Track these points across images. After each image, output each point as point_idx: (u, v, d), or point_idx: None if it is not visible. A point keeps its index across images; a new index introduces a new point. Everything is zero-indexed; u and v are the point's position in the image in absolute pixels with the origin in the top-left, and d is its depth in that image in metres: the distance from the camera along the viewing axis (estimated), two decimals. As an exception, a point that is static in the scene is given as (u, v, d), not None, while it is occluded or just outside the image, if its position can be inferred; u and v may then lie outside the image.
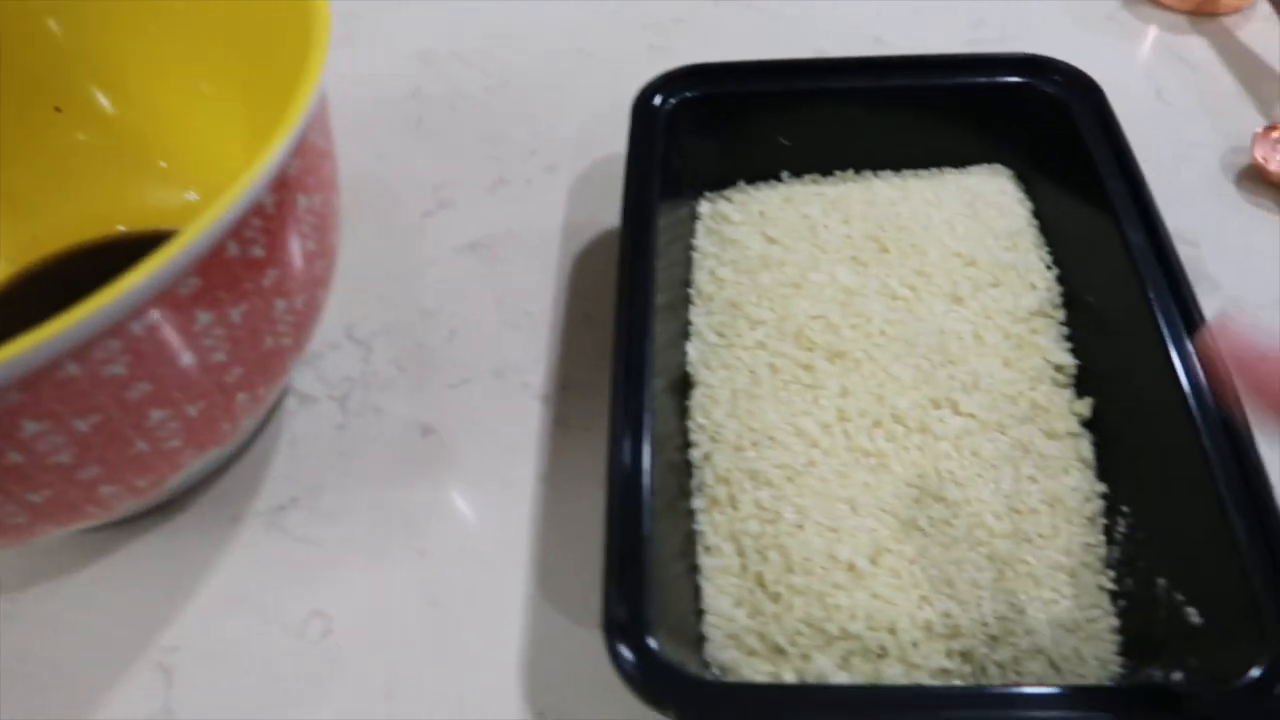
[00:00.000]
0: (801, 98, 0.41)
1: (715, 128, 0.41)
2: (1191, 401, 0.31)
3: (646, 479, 0.30)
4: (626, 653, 0.27)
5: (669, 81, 0.40)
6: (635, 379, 0.32)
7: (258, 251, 0.28)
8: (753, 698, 0.27)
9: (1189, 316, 0.32)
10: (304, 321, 0.33)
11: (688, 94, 0.40)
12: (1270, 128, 0.44)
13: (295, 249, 0.30)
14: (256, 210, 0.27)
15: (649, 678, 0.26)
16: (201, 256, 0.26)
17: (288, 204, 0.29)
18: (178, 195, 0.43)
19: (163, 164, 0.43)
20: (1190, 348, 0.32)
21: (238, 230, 0.27)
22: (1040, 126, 0.40)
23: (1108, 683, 0.30)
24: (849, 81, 0.41)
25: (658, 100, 0.40)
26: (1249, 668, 0.26)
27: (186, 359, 0.27)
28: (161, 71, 0.40)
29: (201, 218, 0.25)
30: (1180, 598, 0.29)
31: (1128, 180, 0.36)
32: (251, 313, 0.29)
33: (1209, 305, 0.40)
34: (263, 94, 0.31)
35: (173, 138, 0.42)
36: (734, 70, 0.41)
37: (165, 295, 0.25)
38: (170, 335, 0.26)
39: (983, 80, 0.40)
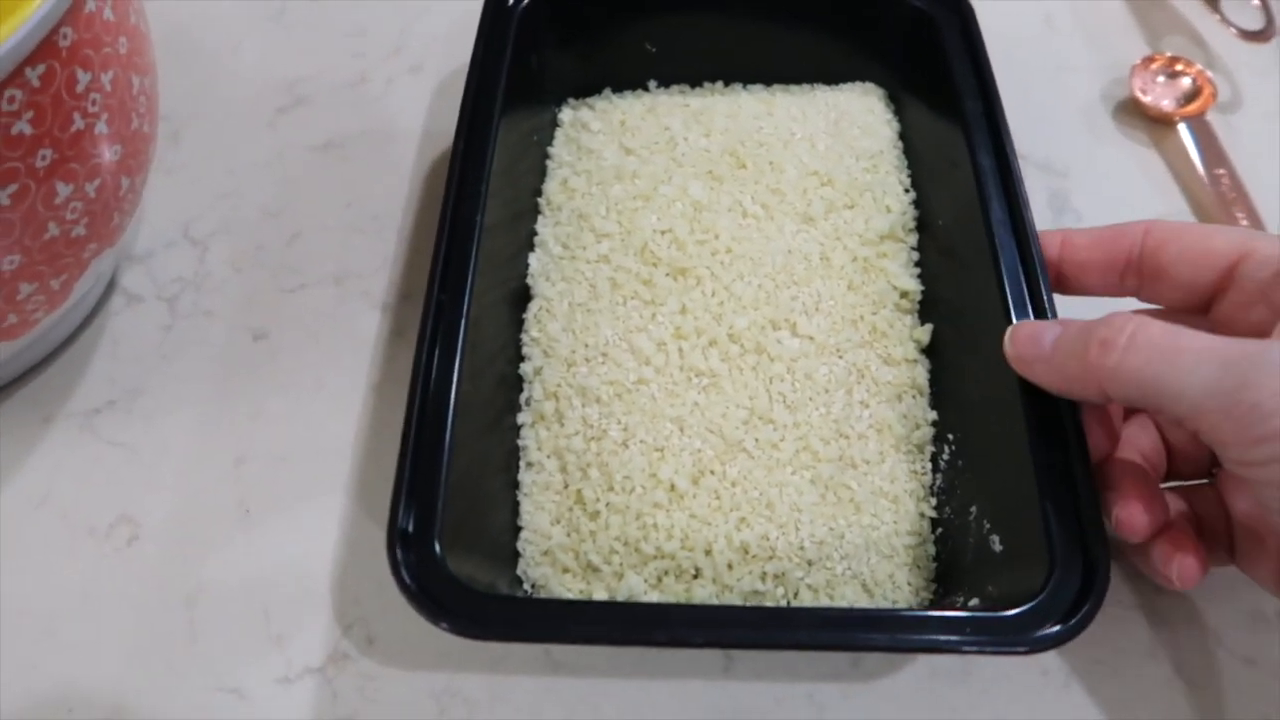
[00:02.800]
0: (667, 3, 0.39)
1: (577, 31, 0.39)
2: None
3: (453, 390, 0.29)
4: (407, 563, 0.26)
5: (526, -22, 0.38)
6: (454, 289, 0.31)
7: (24, 128, 0.26)
8: (529, 613, 0.26)
9: (1025, 247, 0.31)
10: (101, 212, 0.31)
11: (546, -8, 0.38)
12: (1149, 59, 0.43)
13: (79, 130, 0.28)
14: (15, 81, 0.25)
15: (426, 589, 0.25)
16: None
17: (60, 78, 0.27)
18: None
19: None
20: (1022, 279, 0.31)
21: (-10, 102, 0.25)
22: (909, 44, 0.38)
23: (906, 607, 0.29)
24: (717, -13, 0.39)
25: (511, 0, 0.38)
26: (1030, 599, 0.25)
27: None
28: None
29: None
30: (987, 526, 0.29)
31: (985, 102, 0.35)
32: (24, 194, 0.27)
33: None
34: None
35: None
36: (595, -31, 0.39)
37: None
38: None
39: (854, -8, 0.38)
